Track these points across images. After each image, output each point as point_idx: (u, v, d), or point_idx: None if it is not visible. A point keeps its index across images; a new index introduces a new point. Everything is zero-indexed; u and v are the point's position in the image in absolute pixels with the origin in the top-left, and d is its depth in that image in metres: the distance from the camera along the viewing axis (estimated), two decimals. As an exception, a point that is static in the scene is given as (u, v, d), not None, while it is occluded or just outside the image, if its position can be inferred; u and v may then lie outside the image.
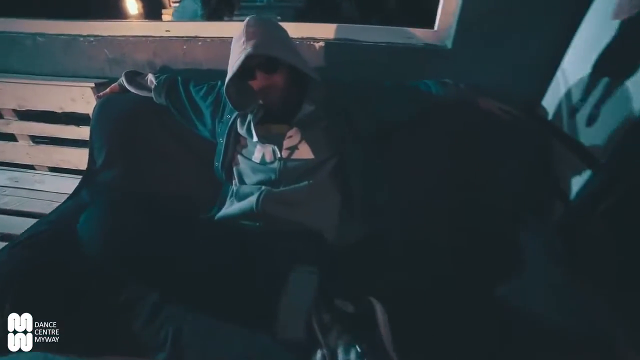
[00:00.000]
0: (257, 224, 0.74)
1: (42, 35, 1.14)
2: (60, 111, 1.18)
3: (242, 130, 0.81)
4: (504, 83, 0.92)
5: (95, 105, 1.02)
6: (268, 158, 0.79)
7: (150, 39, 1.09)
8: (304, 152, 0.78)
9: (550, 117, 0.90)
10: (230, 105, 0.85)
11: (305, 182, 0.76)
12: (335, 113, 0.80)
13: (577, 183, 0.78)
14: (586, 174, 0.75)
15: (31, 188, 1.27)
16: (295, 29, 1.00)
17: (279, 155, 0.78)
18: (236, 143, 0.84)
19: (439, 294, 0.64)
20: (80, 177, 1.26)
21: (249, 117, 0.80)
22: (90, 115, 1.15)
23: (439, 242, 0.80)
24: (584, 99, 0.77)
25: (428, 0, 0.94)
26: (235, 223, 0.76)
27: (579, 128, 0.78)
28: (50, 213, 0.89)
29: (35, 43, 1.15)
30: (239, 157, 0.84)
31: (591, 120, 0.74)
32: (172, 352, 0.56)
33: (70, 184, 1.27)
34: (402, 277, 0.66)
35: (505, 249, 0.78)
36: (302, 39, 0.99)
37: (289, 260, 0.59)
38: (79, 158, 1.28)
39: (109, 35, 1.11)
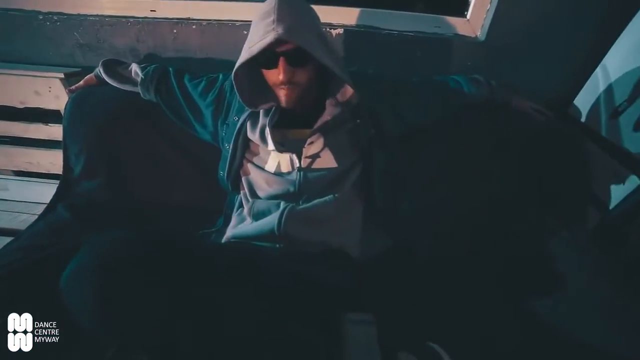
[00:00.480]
0: (277, 245, 0.64)
1: (-12, 11, 0.92)
2: (21, 106, 0.98)
3: (253, 136, 0.69)
4: (537, 79, 0.85)
5: (67, 101, 0.85)
6: (284, 168, 0.68)
7: (132, 20, 0.91)
8: (327, 161, 0.68)
9: (584, 117, 0.85)
10: (237, 104, 0.72)
11: (331, 196, 0.66)
12: (361, 115, 0.69)
13: (618, 191, 0.74)
14: (631, 181, 0.70)
15: (-8, 197, 1.08)
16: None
17: (297, 165, 0.67)
18: (245, 149, 0.72)
19: (486, 321, 0.59)
20: (51, 181, 1.11)
21: (262, 119, 0.68)
22: (62, 112, 0.98)
23: (469, 257, 0.74)
24: (631, 100, 0.71)
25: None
26: (250, 246, 0.65)
27: (622, 132, 0.73)
28: (20, 235, 0.74)
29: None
30: (250, 165, 0.72)
31: (639, 124, 0.69)
32: None
33: (40, 190, 1.10)
34: (445, 305, 0.60)
35: (539, 262, 0.74)
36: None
37: (326, 296, 0.50)
38: (49, 160, 1.10)
39: (78, 14, 0.92)
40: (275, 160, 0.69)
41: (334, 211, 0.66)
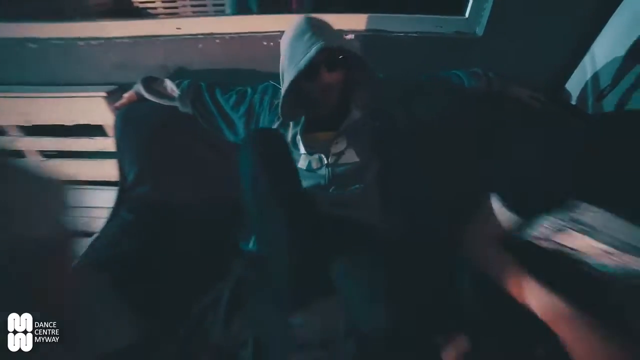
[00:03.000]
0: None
1: (33, 40, 1.02)
2: (72, 124, 1.11)
3: None
4: (532, 69, 0.94)
5: (117, 118, 0.97)
6: (315, 165, 0.81)
7: (161, 39, 1.00)
8: (350, 156, 0.80)
9: (574, 100, 0.94)
10: (266, 116, 0.83)
11: (357, 186, 0.80)
12: (380, 116, 0.80)
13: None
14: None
15: (52, 205, 1.23)
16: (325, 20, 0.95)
17: (326, 162, 0.79)
18: None
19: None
20: (95, 188, 1.26)
21: (292, 128, 0.79)
22: (106, 126, 1.11)
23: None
24: (613, 84, 0.80)
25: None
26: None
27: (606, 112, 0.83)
28: (96, 239, 0.89)
29: (26, 50, 1.04)
30: None
31: (620, 106, 0.79)
32: (255, 348, 0.64)
33: (89, 196, 1.25)
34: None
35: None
36: (329, 32, 0.95)
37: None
38: (93, 170, 1.24)
39: (113, 37, 1.01)
40: (305, 160, 0.81)
41: (359, 198, 0.80)
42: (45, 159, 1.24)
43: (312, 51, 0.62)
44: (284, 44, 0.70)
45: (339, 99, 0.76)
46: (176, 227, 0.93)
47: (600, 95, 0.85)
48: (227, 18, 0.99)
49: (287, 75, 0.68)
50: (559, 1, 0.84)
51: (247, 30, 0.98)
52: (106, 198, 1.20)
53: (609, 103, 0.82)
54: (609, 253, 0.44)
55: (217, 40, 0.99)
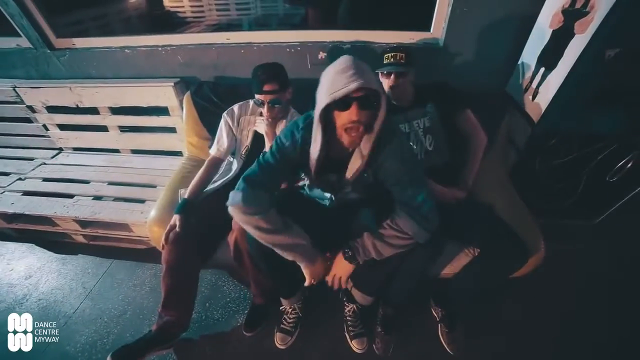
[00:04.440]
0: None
1: (128, 47, 1.47)
2: (146, 105, 1.54)
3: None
4: (482, 72, 1.29)
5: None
6: (320, 195, 1.01)
7: (215, 45, 1.42)
8: (354, 194, 0.96)
9: (511, 95, 1.28)
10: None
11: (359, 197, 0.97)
12: (372, 166, 0.84)
13: (523, 136, 1.19)
14: (528, 131, 1.16)
15: (125, 166, 1.66)
16: (329, 35, 1.35)
17: (330, 196, 0.98)
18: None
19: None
20: (155, 156, 1.67)
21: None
22: (170, 107, 1.52)
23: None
24: (531, 81, 1.15)
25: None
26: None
27: (526, 101, 1.18)
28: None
29: (123, 55, 1.48)
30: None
31: (534, 96, 1.13)
32: None
33: (150, 161, 1.67)
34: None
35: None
36: (334, 42, 1.34)
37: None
38: (154, 141, 1.66)
39: (181, 45, 1.44)
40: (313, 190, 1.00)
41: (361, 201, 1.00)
42: (121, 132, 1.68)
43: (352, 85, 0.67)
44: (327, 75, 0.74)
45: (356, 143, 0.78)
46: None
47: (526, 89, 1.19)
48: (262, 32, 1.41)
49: (321, 100, 0.73)
50: (500, 22, 1.19)
51: (275, 41, 1.38)
52: (165, 163, 1.62)
53: (528, 95, 1.16)
54: None
55: (255, 48, 1.40)
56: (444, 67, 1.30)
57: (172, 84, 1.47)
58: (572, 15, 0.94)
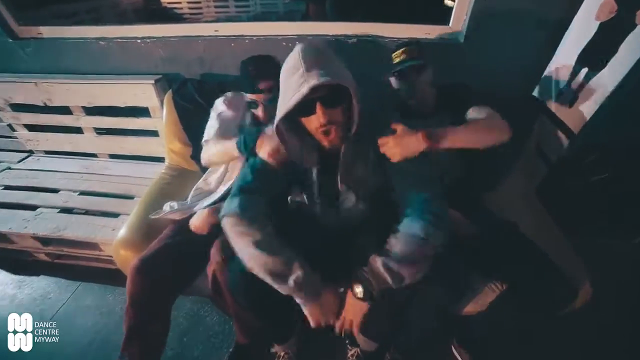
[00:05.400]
0: None
1: (103, 39, 1.29)
2: (123, 105, 1.36)
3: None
4: (506, 73, 1.11)
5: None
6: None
7: (201, 38, 1.24)
8: (356, 205, 0.82)
9: (542, 100, 1.11)
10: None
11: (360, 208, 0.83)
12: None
13: (557, 149, 1.02)
14: (565, 143, 0.98)
15: (101, 173, 1.48)
16: (332, 27, 1.17)
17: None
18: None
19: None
20: (137, 162, 1.49)
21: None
22: (151, 108, 1.34)
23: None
24: (569, 85, 0.98)
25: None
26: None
27: (560, 108, 1.00)
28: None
29: (98, 47, 1.30)
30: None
31: (572, 102, 0.96)
32: None
33: (130, 168, 1.49)
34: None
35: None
36: (337, 35, 1.16)
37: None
38: (134, 145, 1.48)
39: (163, 37, 1.26)
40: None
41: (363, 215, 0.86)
42: (97, 135, 1.49)
43: (304, 89, 0.57)
44: (281, 78, 0.66)
45: (338, 143, 0.69)
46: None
47: (560, 94, 1.02)
48: (255, 23, 1.23)
49: (279, 112, 0.64)
50: (527, 16, 1.02)
51: (269, 33, 1.21)
52: (147, 171, 1.44)
53: (565, 100, 0.99)
54: None
55: (247, 41, 1.22)
56: (464, 67, 1.12)
57: (153, 81, 1.29)
58: (631, 3, 0.76)
